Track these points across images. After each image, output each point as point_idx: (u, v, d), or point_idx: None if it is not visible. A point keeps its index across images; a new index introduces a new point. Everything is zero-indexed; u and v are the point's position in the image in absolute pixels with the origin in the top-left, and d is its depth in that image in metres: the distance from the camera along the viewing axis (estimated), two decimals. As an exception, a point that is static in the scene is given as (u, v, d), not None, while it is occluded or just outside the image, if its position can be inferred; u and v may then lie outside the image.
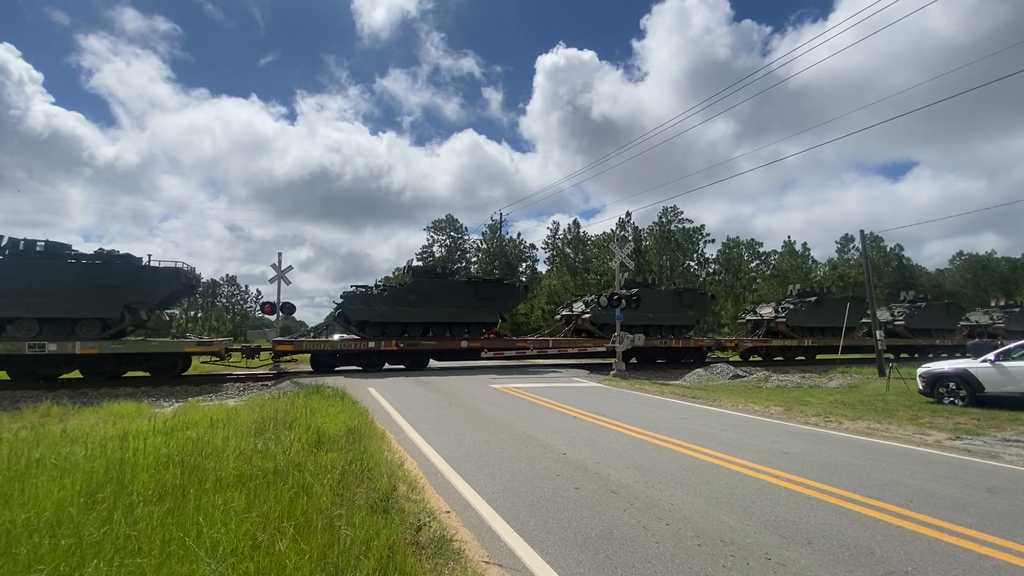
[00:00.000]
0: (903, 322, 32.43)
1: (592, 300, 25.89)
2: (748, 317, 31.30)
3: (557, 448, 6.73)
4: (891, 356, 30.45)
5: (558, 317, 28.52)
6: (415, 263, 24.45)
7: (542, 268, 65.47)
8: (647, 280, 27.89)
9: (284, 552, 3.16)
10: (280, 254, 25.66)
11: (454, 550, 3.56)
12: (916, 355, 32.33)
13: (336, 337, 20.99)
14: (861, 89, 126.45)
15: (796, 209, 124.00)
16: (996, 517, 4.27)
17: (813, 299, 30.05)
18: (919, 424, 8.87)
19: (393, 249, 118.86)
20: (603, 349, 22.87)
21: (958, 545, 3.71)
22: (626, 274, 27.23)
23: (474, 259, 68.90)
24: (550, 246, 67.27)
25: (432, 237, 71.36)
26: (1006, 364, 10.38)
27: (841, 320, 28.88)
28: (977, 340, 32.50)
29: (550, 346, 23.02)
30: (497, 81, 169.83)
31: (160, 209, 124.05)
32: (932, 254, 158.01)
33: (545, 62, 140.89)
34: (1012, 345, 10.72)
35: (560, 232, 67.35)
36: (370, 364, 20.40)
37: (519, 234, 73.24)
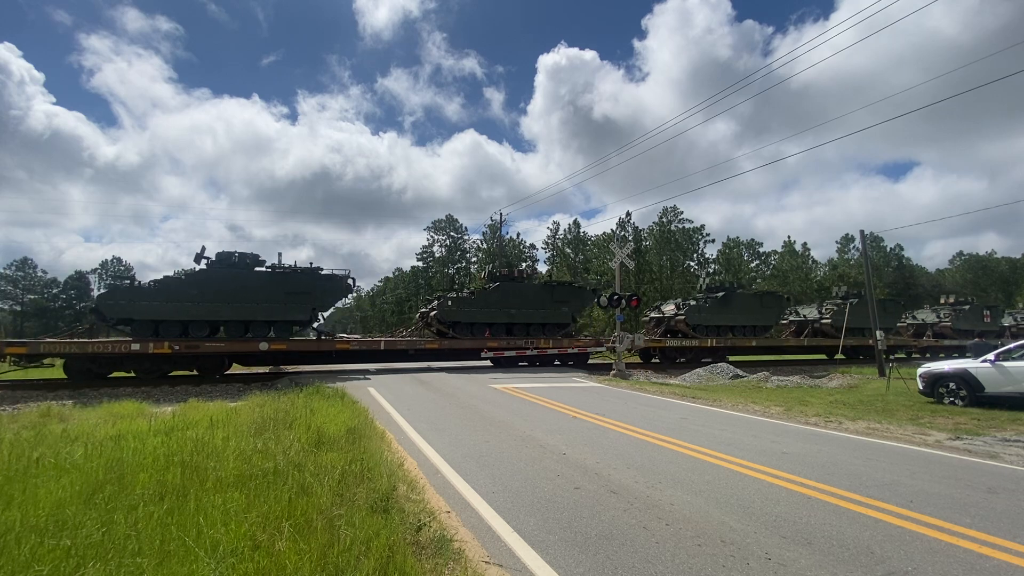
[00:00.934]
0: (829, 320, 29.46)
1: (441, 296, 24.42)
2: (652, 315, 29.00)
3: (557, 448, 6.73)
4: (823, 357, 29.99)
5: (417, 315, 27.00)
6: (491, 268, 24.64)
7: (542, 268, 65.49)
8: (514, 273, 24.81)
9: (284, 552, 3.16)
10: (280, 254, 25.77)
11: (454, 550, 3.56)
12: (844, 356, 30.05)
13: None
14: (863, 89, 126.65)
15: (797, 209, 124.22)
16: (996, 517, 4.27)
17: (720, 295, 27.51)
18: (919, 424, 8.87)
19: (394, 249, 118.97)
20: (603, 349, 22.88)
21: (958, 545, 3.71)
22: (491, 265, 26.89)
23: (474, 259, 68.89)
24: (550, 246, 67.31)
25: (432, 237, 71.42)
26: (1006, 364, 10.37)
27: (755, 318, 28.06)
28: (978, 340, 32.11)
29: (550, 347, 23.01)
30: (499, 81, 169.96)
31: (161, 209, 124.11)
32: (933, 254, 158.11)
33: (547, 61, 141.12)
34: (1012, 345, 10.72)
35: (560, 232, 67.41)
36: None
37: (519, 234, 73.22)
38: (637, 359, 26.38)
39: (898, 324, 34.16)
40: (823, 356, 30.94)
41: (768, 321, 29.06)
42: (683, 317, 26.07)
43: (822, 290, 55.07)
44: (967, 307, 35.04)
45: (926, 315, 35.61)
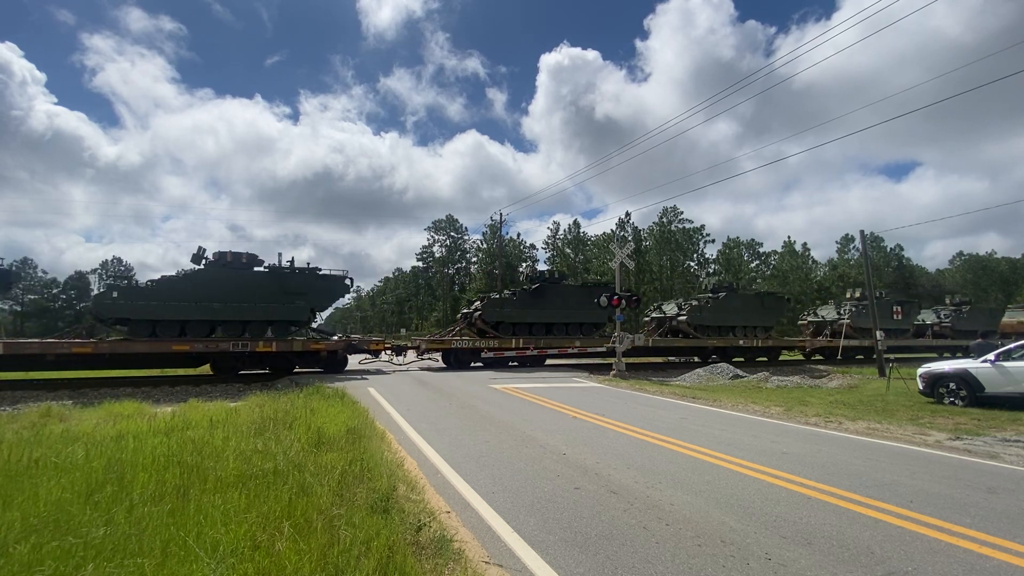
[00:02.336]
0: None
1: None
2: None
3: (557, 448, 6.73)
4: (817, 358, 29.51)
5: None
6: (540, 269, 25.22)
7: (542, 268, 65.52)
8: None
9: (284, 552, 3.16)
10: (280, 254, 25.83)
11: (454, 550, 3.56)
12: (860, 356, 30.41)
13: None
14: (865, 89, 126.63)
15: (798, 209, 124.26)
16: (996, 517, 4.27)
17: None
18: (919, 424, 8.87)
19: (395, 249, 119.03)
20: (603, 349, 22.87)
21: (958, 545, 3.71)
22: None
23: (474, 259, 68.92)
24: (550, 246, 67.33)
25: (432, 237, 71.45)
26: (1006, 364, 10.38)
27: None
28: (979, 340, 31.91)
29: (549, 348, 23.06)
30: (501, 82, 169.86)
31: (162, 209, 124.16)
32: (934, 254, 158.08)
33: (549, 61, 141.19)
34: (1012, 345, 10.72)
35: (560, 232, 67.43)
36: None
37: (519, 234, 73.21)
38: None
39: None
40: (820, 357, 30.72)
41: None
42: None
43: (822, 290, 55.12)
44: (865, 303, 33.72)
45: (827, 312, 32.83)
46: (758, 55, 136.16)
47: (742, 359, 27.00)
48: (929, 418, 9.46)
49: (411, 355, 21.66)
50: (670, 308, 28.11)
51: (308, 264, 19.46)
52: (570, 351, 23.17)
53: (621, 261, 20.71)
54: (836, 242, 70.25)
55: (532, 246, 70.03)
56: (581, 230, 66.90)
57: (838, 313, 30.12)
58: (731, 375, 19.04)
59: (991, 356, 10.69)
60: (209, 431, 6.87)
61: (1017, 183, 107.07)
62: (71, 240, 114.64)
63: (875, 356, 20.73)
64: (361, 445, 6.42)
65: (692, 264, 63.42)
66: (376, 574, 3.03)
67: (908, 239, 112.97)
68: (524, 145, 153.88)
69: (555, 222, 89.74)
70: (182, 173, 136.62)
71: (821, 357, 29.99)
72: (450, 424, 8.57)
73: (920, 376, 11.90)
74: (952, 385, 11.02)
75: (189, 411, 9.40)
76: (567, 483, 5.20)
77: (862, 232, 23.65)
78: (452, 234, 71.27)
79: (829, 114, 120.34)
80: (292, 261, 19.09)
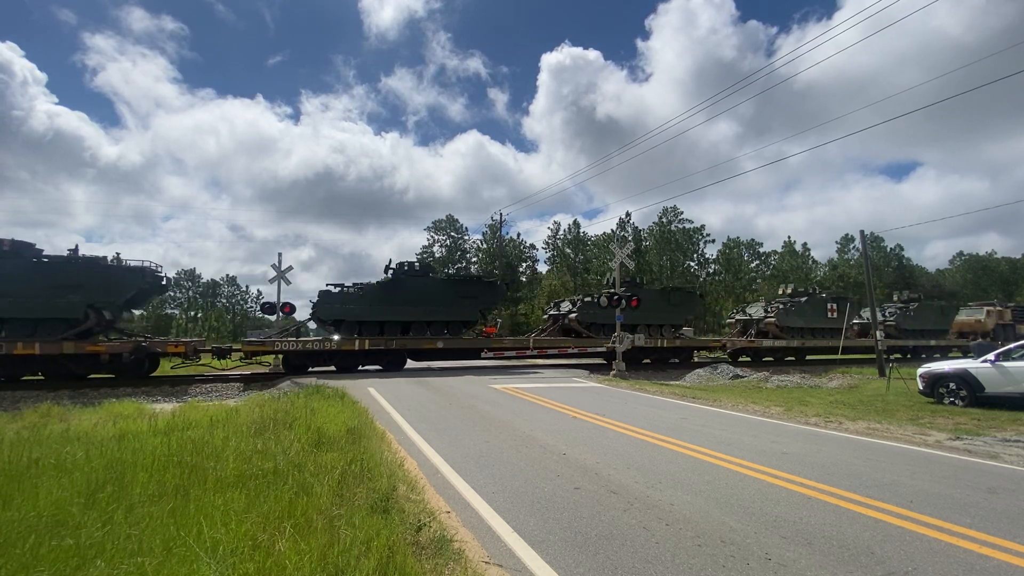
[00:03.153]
0: (774, 319, 28.29)
1: (578, 299, 25.95)
2: (738, 317, 30.65)
3: (557, 448, 6.73)
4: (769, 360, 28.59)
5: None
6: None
7: (543, 268, 65.51)
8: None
9: (284, 552, 3.16)
10: (280, 254, 25.75)
11: (454, 550, 3.56)
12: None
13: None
14: (866, 89, 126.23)
15: (799, 209, 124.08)
16: (996, 517, 4.27)
17: (803, 300, 29.21)
18: (919, 424, 8.87)
19: (395, 249, 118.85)
20: (603, 349, 22.88)
21: (958, 545, 3.71)
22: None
23: (474, 259, 68.92)
24: (550, 246, 67.31)
25: (432, 237, 71.40)
26: (1006, 364, 10.38)
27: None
28: (980, 340, 31.37)
29: (547, 348, 23.14)
30: (503, 82, 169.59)
31: (163, 209, 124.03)
32: (935, 254, 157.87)
33: (550, 60, 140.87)
34: (1012, 345, 10.73)
35: (560, 232, 67.40)
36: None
37: (519, 234, 73.28)
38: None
39: (729, 320, 32.76)
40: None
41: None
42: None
43: (822, 290, 55.01)
44: (803, 300, 30.74)
45: (755, 311, 30.62)
46: (759, 55, 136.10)
47: (647, 360, 25.67)
48: (929, 418, 9.46)
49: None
50: (565, 305, 27.17)
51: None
52: (570, 351, 23.20)
53: (621, 261, 20.71)
54: (836, 242, 70.32)
55: (532, 246, 69.95)
56: (581, 230, 66.87)
57: (765, 311, 29.14)
58: (731, 375, 19.07)
59: (991, 356, 10.70)
60: (209, 431, 6.87)
61: (1018, 183, 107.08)
62: (72, 240, 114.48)
63: (875, 356, 20.73)
64: (361, 445, 6.42)
65: (692, 264, 63.41)
66: (376, 574, 3.03)
67: (909, 239, 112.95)
68: (525, 145, 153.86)
69: (555, 222, 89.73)
70: (183, 173, 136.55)
71: (748, 359, 28.42)
72: (450, 424, 8.57)
73: (920, 376, 11.91)
74: (952, 385, 11.03)
75: (189, 411, 9.40)
76: (567, 483, 5.20)
77: (862, 232, 23.67)
78: (452, 234, 71.23)
79: (830, 114, 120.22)
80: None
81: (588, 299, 25.57)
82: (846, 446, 7.07)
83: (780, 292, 32.02)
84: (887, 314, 32.18)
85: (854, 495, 4.80)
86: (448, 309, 21.17)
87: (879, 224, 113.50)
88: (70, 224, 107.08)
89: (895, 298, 35.50)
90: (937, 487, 5.12)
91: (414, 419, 9.04)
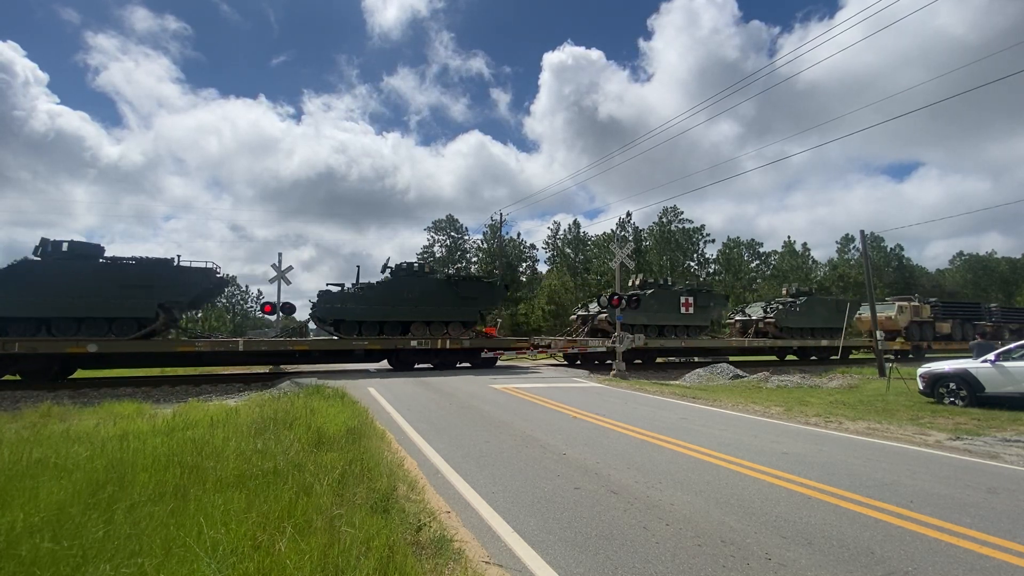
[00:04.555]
0: (773, 319, 27.91)
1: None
2: (737, 317, 30.70)
3: (557, 448, 6.73)
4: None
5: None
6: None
7: (543, 268, 65.50)
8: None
9: (284, 552, 3.17)
10: (280, 254, 25.81)
11: (454, 550, 3.56)
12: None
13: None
14: (867, 89, 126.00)
15: (800, 209, 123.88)
16: (996, 517, 4.27)
17: (802, 300, 29.18)
18: (919, 424, 8.87)
19: (396, 249, 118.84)
20: (603, 349, 22.88)
21: (958, 545, 3.71)
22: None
23: (474, 259, 68.92)
24: (550, 246, 67.31)
25: (432, 237, 71.42)
26: (1006, 364, 10.38)
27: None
28: (979, 340, 30.66)
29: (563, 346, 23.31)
30: (505, 82, 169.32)
31: (164, 209, 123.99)
32: (937, 254, 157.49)
33: (552, 60, 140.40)
34: (1012, 345, 10.72)
35: (560, 232, 67.40)
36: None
37: (519, 234, 73.24)
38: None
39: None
40: (773, 358, 30.72)
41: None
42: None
43: (822, 290, 55.02)
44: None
45: (754, 310, 30.58)
46: (762, 55, 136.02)
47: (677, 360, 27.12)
48: (929, 418, 9.46)
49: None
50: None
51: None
52: (570, 351, 23.25)
53: (621, 261, 20.71)
54: (836, 242, 70.31)
55: (532, 246, 69.97)
56: (581, 230, 66.87)
57: (764, 311, 29.10)
58: (731, 375, 19.06)
59: (991, 356, 10.70)
60: (209, 431, 6.87)
61: (1020, 183, 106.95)
62: (73, 240, 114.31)
63: (875, 356, 20.72)
64: (361, 445, 6.42)
65: (692, 264, 63.40)
66: (376, 574, 3.03)
67: (910, 239, 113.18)
68: (526, 145, 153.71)
69: (555, 222, 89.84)
70: (184, 173, 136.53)
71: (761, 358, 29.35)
72: (450, 424, 8.57)
73: (920, 376, 11.90)
74: (952, 385, 11.02)
75: (189, 411, 9.40)
76: (567, 483, 5.20)
77: (862, 232, 23.64)
78: (452, 234, 71.25)
79: (832, 113, 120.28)
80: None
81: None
82: (846, 446, 7.07)
83: (784, 293, 31.64)
84: (767, 310, 29.35)
85: (854, 495, 4.80)
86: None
87: (880, 224, 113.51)
88: (71, 224, 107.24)
89: (783, 291, 32.12)
90: (937, 487, 5.12)
91: (414, 419, 9.04)
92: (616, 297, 19.11)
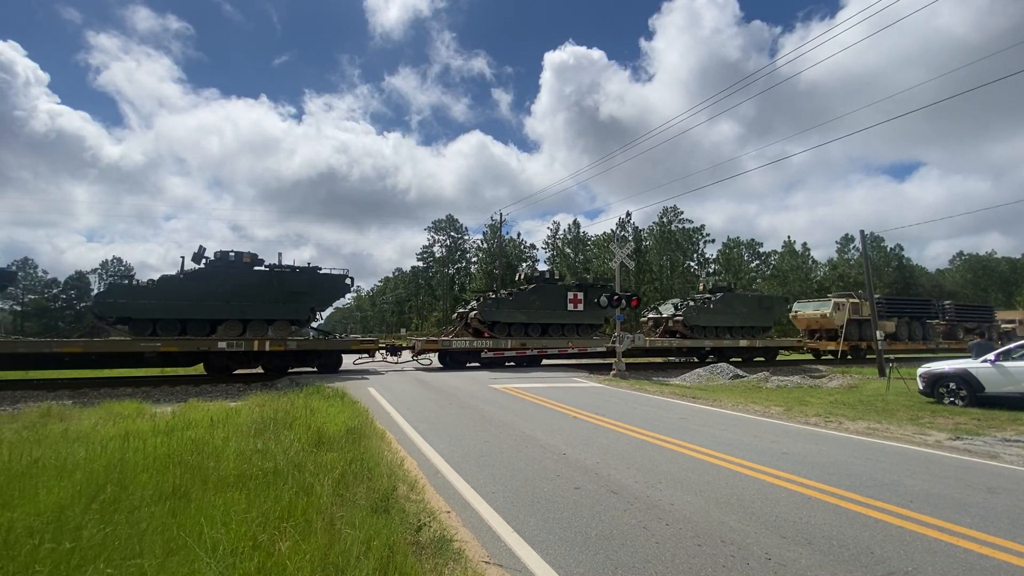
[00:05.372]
0: (681, 318, 25.54)
1: (684, 302, 26.05)
2: (649, 315, 28.32)
3: (557, 448, 6.73)
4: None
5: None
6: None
7: (543, 268, 65.53)
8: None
9: (285, 552, 3.16)
10: (280, 254, 25.88)
11: (454, 550, 3.56)
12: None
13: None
14: (869, 88, 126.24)
15: (801, 209, 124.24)
16: (996, 517, 4.27)
17: (719, 296, 26.88)
18: (919, 424, 8.87)
19: (397, 249, 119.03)
20: (603, 349, 22.88)
21: (958, 545, 3.71)
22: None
23: (474, 259, 68.94)
24: (550, 246, 67.35)
25: (432, 237, 71.47)
26: (1006, 364, 10.38)
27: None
28: (979, 340, 29.16)
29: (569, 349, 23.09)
30: (507, 82, 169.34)
31: (165, 209, 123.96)
32: (937, 254, 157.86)
33: (553, 59, 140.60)
34: (1012, 345, 10.73)
35: (560, 232, 67.43)
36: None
37: (519, 234, 73.27)
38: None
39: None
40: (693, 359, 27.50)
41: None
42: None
43: (822, 290, 55.06)
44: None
45: (666, 308, 28.18)
46: (763, 55, 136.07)
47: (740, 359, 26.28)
48: (929, 418, 9.46)
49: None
50: (667, 308, 28.00)
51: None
52: (569, 351, 23.16)
53: (621, 261, 20.71)
54: (836, 242, 70.35)
55: (532, 246, 70.06)
56: (581, 230, 66.93)
57: (675, 309, 26.88)
58: (731, 375, 19.05)
59: (991, 356, 10.70)
60: (209, 431, 6.87)
61: (1021, 183, 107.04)
62: (73, 240, 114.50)
63: (876, 356, 20.72)
64: (361, 445, 6.42)
65: (692, 264, 63.43)
66: (376, 574, 3.03)
67: (911, 239, 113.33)
68: (527, 145, 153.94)
69: (555, 222, 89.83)
70: (185, 173, 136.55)
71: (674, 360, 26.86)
72: (450, 424, 8.57)
73: (920, 376, 11.91)
74: (952, 385, 11.02)
75: (189, 411, 9.40)
76: (567, 483, 5.20)
77: (862, 232, 23.63)
78: (452, 234, 71.30)
79: (833, 113, 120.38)
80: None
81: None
82: (846, 446, 7.07)
83: (700, 289, 29.20)
84: (679, 307, 26.98)
85: (854, 495, 4.80)
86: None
87: (881, 224, 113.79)
88: (72, 224, 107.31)
89: (700, 287, 29.93)
90: (937, 487, 5.12)
91: (414, 419, 9.04)
92: (616, 296, 19.10)
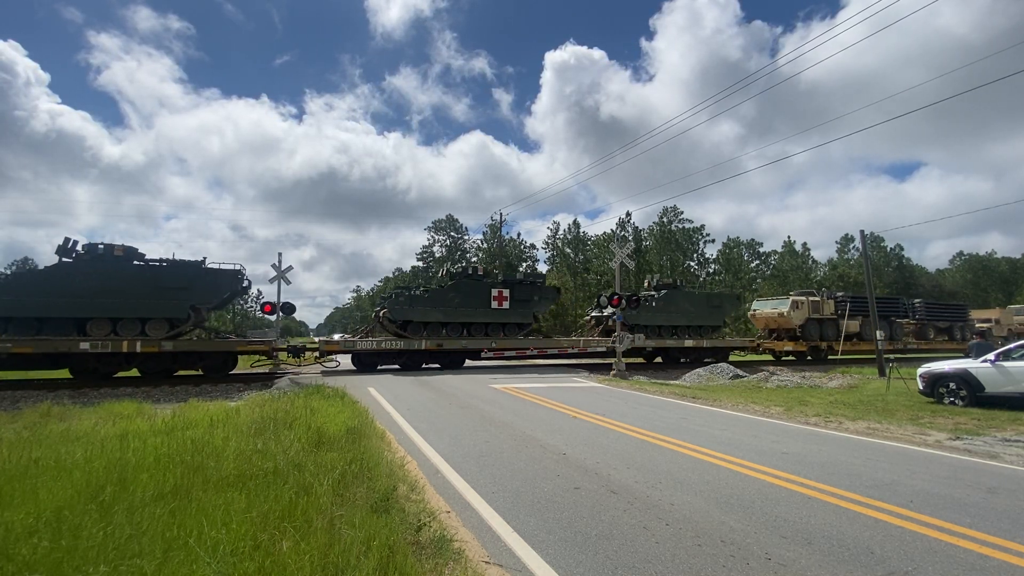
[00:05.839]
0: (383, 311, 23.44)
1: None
2: (593, 314, 26.86)
3: (557, 448, 6.73)
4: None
5: (587, 318, 27.02)
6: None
7: (543, 268, 65.50)
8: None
9: (285, 552, 3.16)
10: (280, 254, 25.73)
11: (454, 550, 3.56)
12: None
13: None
14: (870, 88, 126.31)
15: (802, 209, 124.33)
16: (996, 517, 4.27)
17: (663, 293, 25.47)
18: (919, 424, 8.87)
19: (397, 249, 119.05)
20: (603, 349, 22.90)
21: (958, 545, 3.71)
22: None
23: (474, 259, 68.90)
24: (550, 246, 67.32)
25: (432, 237, 71.45)
26: (1006, 364, 10.38)
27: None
28: (978, 340, 28.08)
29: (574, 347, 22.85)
30: (508, 82, 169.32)
31: (165, 209, 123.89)
32: (938, 254, 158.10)
33: (554, 59, 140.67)
34: (1012, 345, 10.72)
35: (560, 232, 67.41)
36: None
37: (519, 234, 73.28)
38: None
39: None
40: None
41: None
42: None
43: (822, 290, 55.09)
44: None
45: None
46: (764, 55, 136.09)
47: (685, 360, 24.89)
48: (929, 418, 9.46)
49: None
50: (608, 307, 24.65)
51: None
52: (570, 351, 23.19)
53: (621, 261, 20.71)
54: (836, 242, 70.36)
55: (532, 246, 70.00)
56: (581, 230, 66.87)
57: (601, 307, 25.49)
58: (731, 375, 19.06)
59: (991, 356, 10.70)
60: (209, 431, 6.87)
61: (1021, 183, 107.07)
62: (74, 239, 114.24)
63: (876, 356, 20.71)
64: (361, 445, 6.42)
65: (692, 264, 63.42)
66: (376, 574, 3.03)
67: (911, 239, 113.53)
68: (528, 145, 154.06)
69: (555, 222, 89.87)
70: (186, 173, 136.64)
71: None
72: (450, 424, 8.57)
73: (920, 376, 11.90)
74: (952, 385, 11.02)
75: (189, 411, 9.40)
76: (567, 483, 5.20)
77: (862, 232, 23.63)
78: (452, 234, 71.30)
79: (833, 113, 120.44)
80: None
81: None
82: (846, 446, 7.07)
83: (646, 285, 27.60)
84: (601, 301, 25.69)
85: (854, 495, 4.80)
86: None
87: (882, 224, 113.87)
88: (73, 224, 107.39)
89: (646, 284, 28.11)
90: (937, 487, 5.12)
91: (414, 419, 9.04)
92: (616, 296, 19.11)
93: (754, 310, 28.84)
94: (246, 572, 2.94)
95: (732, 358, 26.69)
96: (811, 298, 27.12)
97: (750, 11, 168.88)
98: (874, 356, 25.44)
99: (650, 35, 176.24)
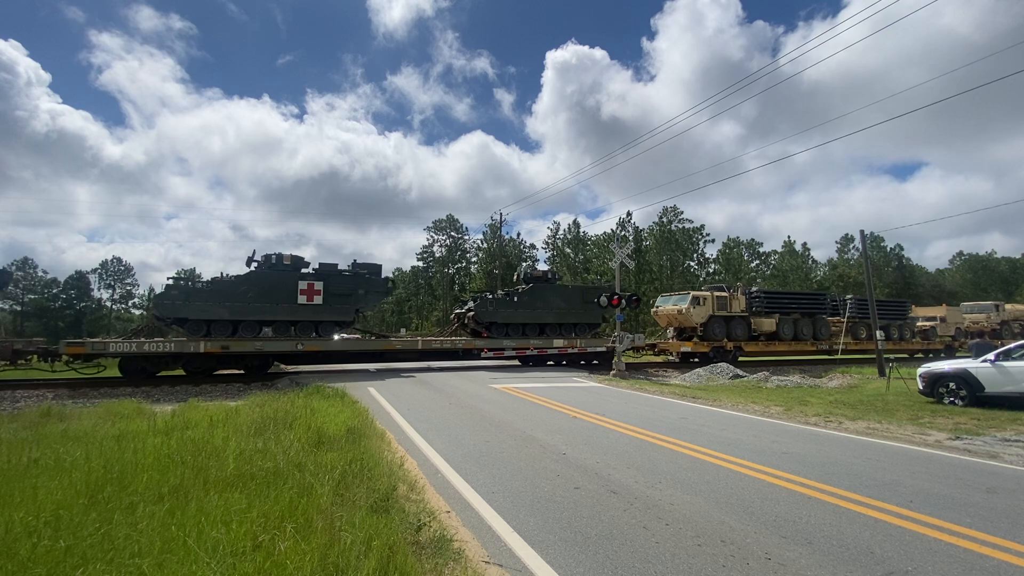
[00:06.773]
0: (473, 313, 21.64)
1: (477, 297, 22.74)
2: (456, 311, 24.39)
3: (557, 448, 6.73)
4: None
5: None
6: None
7: (543, 268, 65.46)
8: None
9: (285, 552, 3.16)
10: (277, 253, 25.65)
11: (454, 550, 3.56)
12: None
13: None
14: (871, 88, 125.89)
15: (803, 209, 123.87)
16: (996, 517, 4.27)
17: (528, 287, 22.79)
18: (919, 424, 8.87)
19: (398, 249, 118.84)
20: (603, 349, 22.87)
21: (958, 545, 3.71)
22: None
23: (474, 259, 68.94)
24: (550, 246, 67.35)
25: (432, 237, 71.45)
26: (1006, 364, 10.38)
27: (573, 316, 22.53)
28: (978, 340, 25.20)
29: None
30: (510, 82, 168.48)
31: (166, 208, 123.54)
32: (938, 254, 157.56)
33: (556, 58, 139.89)
34: (1012, 345, 10.73)
35: (560, 232, 67.44)
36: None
37: (519, 234, 73.27)
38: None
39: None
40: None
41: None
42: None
43: (821, 290, 55.10)
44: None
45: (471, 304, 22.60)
46: (766, 56, 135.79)
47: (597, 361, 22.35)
48: (929, 418, 9.46)
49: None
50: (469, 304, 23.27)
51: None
52: (569, 351, 23.08)
53: (621, 261, 20.71)
54: (836, 242, 70.38)
55: (532, 246, 70.04)
56: (581, 230, 66.91)
57: (475, 302, 22.51)
58: (731, 375, 19.06)
59: (991, 356, 10.70)
60: (209, 431, 6.87)
61: (1022, 183, 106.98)
62: (73, 240, 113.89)
63: (875, 356, 20.72)
64: (361, 445, 6.42)
65: (692, 264, 63.44)
66: (376, 574, 3.03)
67: (912, 239, 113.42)
68: (529, 145, 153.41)
69: (555, 222, 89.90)
70: (187, 173, 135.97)
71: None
72: (450, 424, 8.57)
73: (920, 376, 11.91)
74: (952, 385, 11.02)
75: (189, 411, 9.40)
76: (567, 483, 5.20)
77: (862, 232, 23.64)
78: (452, 234, 71.29)
79: (834, 113, 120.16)
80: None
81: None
82: (846, 446, 7.07)
83: (515, 278, 25.23)
84: (475, 303, 22.23)
85: (854, 495, 4.80)
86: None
87: (883, 224, 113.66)
88: (73, 224, 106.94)
89: (515, 277, 25.57)
90: (937, 487, 5.12)
91: (414, 419, 9.04)
92: (616, 296, 19.11)
93: (657, 307, 26.45)
94: (246, 572, 2.94)
95: (626, 359, 21.14)
96: (717, 294, 24.81)
97: (752, 11, 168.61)
98: (782, 359, 25.03)
99: (652, 35, 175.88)
